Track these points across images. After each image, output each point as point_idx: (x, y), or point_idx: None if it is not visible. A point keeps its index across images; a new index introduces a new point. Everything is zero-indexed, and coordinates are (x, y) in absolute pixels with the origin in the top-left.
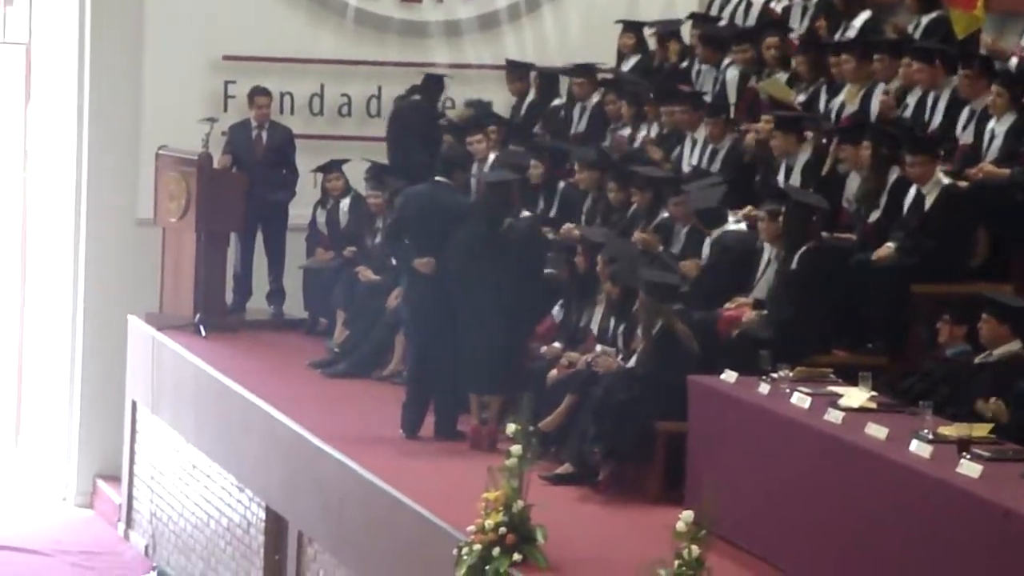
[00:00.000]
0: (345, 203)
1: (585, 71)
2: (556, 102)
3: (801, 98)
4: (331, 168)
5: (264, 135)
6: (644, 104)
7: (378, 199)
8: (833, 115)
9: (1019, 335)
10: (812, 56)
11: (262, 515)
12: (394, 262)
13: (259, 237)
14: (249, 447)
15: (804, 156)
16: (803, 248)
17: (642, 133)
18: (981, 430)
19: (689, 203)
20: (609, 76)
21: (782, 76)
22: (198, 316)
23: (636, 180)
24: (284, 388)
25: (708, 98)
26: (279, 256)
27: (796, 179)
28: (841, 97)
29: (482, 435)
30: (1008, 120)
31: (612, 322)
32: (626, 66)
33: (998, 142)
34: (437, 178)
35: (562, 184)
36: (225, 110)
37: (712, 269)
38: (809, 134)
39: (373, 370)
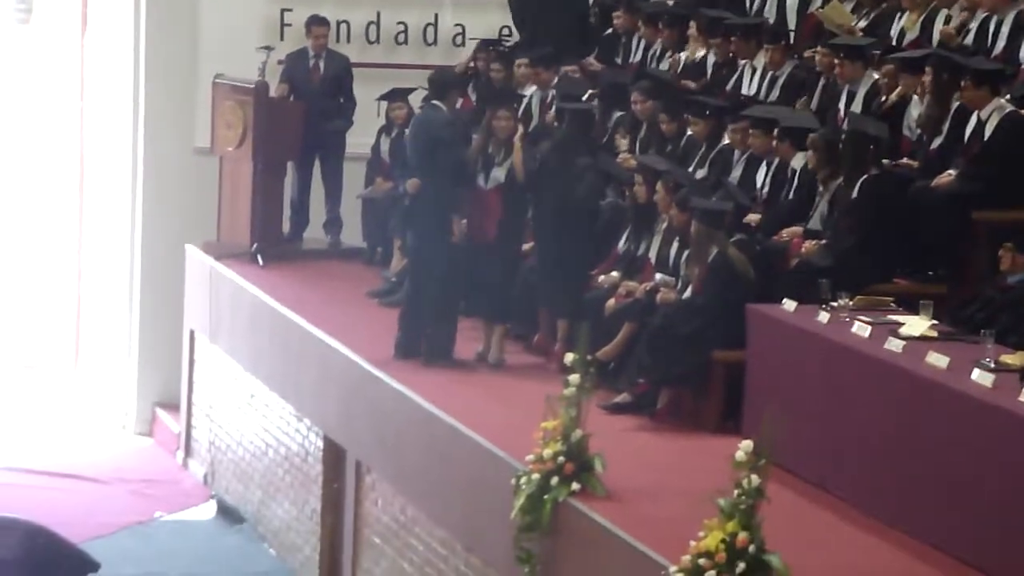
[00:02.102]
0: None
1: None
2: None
3: (862, 24)
4: (395, 96)
5: (321, 64)
6: (687, 31)
7: None
8: (894, 41)
9: None
10: None
11: (320, 444)
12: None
13: (316, 166)
14: (307, 376)
15: (867, 83)
16: (864, 176)
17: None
18: None
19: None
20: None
21: (843, 2)
22: (255, 245)
23: (692, 108)
24: (341, 317)
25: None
26: (336, 185)
27: (858, 106)
28: (901, 23)
29: (551, 355)
30: None
31: (672, 250)
32: None
33: None
34: (433, 101)
35: (617, 114)
36: (282, 39)
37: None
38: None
39: None
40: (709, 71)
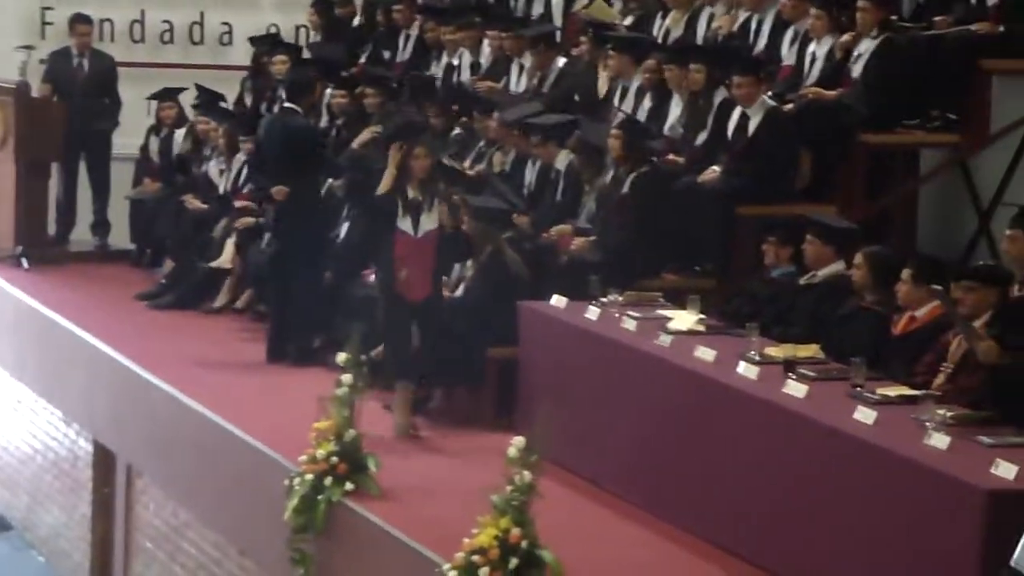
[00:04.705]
0: (179, 133)
1: None
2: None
3: (627, 21)
4: (166, 96)
5: (85, 63)
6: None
7: (207, 126)
8: (660, 40)
9: (843, 256)
10: None
11: (89, 449)
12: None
13: (83, 167)
14: (75, 381)
15: (638, 79)
16: (634, 172)
17: (466, 59)
18: (806, 351)
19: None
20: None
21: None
22: (20, 248)
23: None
24: (110, 321)
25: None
26: (104, 186)
27: (629, 103)
28: (666, 22)
29: None
30: (828, 42)
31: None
32: None
33: (819, 64)
34: (286, 104)
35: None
36: (43, 37)
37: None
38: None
39: (202, 302)
40: (483, 68)
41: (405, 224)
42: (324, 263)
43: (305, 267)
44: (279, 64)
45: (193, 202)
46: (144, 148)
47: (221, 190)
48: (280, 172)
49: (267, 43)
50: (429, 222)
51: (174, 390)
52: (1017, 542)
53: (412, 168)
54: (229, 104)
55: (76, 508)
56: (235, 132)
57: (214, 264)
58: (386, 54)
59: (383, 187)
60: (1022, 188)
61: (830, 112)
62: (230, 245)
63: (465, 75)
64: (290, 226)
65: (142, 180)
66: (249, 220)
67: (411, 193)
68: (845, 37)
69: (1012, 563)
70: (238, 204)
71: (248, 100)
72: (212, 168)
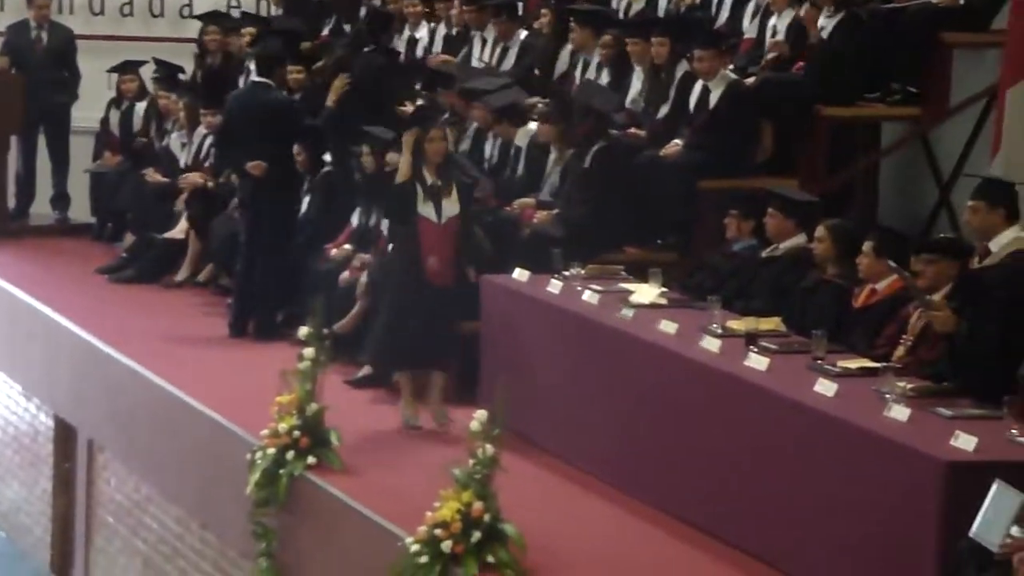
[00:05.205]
0: (140, 107)
1: None
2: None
3: None
4: (127, 69)
5: (44, 36)
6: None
7: (168, 100)
8: (622, 14)
9: (804, 229)
10: None
11: (50, 424)
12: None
13: (42, 141)
14: (35, 355)
15: (601, 52)
16: (596, 147)
17: (425, 32)
18: (768, 324)
19: (490, 104)
20: None
21: None
22: None
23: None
24: (70, 295)
25: None
26: (63, 160)
27: (592, 76)
28: None
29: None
30: (789, 15)
31: None
32: None
33: (780, 37)
34: (259, 79)
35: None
36: (1, 9)
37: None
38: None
39: (163, 275)
40: (441, 43)
41: (428, 210)
42: (291, 238)
43: (274, 242)
44: (247, 37)
45: (154, 176)
46: (105, 121)
47: (182, 163)
48: (256, 147)
49: (209, 19)
50: (451, 207)
51: (136, 364)
52: (976, 513)
53: (428, 152)
54: (187, 77)
55: (37, 483)
56: (196, 105)
57: (167, 235)
58: (347, 28)
59: (401, 175)
60: (982, 160)
61: (791, 86)
62: (184, 216)
63: (438, 47)
64: (264, 200)
65: (102, 153)
66: (196, 179)
67: (429, 179)
68: (806, 8)
69: (971, 534)
70: (182, 184)
71: (199, 76)
72: (173, 141)
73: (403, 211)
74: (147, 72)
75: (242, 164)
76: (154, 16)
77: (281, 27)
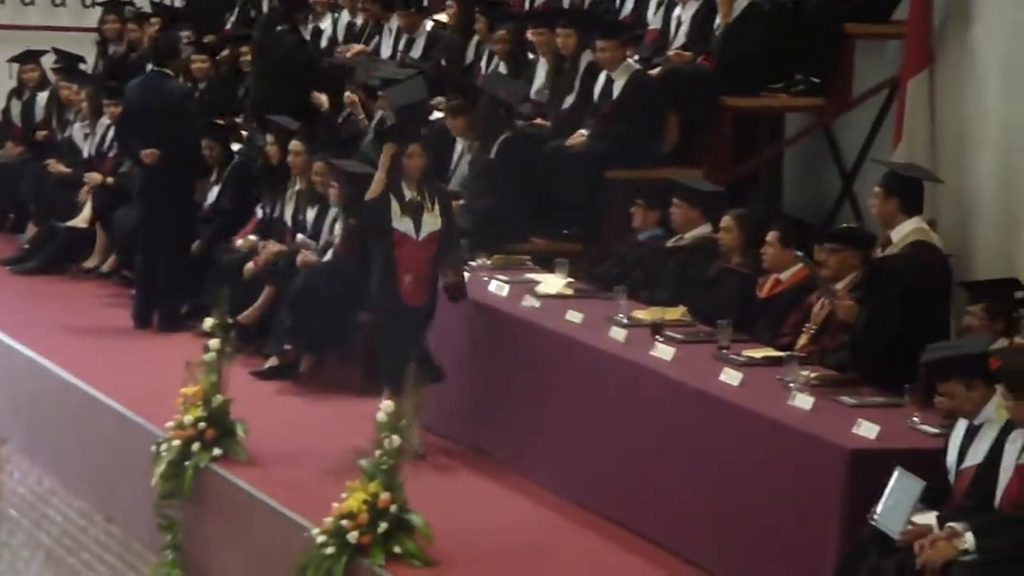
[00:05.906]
0: (42, 97)
1: None
2: None
3: None
4: (28, 58)
5: None
6: None
7: (69, 90)
8: (527, 4)
9: (709, 219)
10: None
11: None
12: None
13: None
14: None
15: (494, 46)
16: (501, 138)
17: (333, 22)
18: (674, 313)
19: (393, 98)
20: None
21: None
22: None
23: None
24: None
25: None
26: None
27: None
28: None
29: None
30: (693, 7)
31: (310, 214)
32: None
33: (684, 28)
34: (152, 67)
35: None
36: None
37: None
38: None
39: (66, 266)
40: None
41: (406, 226)
42: (193, 228)
43: (173, 232)
44: (152, 27)
45: (57, 166)
46: (6, 111)
47: (85, 154)
48: (155, 136)
49: (109, 7)
50: (431, 223)
51: (39, 357)
52: (877, 499)
53: (407, 168)
54: (88, 67)
55: None
56: (99, 96)
57: (70, 223)
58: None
59: (372, 192)
60: (884, 150)
61: (695, 76)
62: (88, 205)
63: (341, 36)
64: (160, 190)
65: (4, 144)
66: (96, 177)
67: (408, 194)
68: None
69: (873, 520)
70: (85, 181)
71: (101, 65)
72: (76, 131)
73: (374, 228)
74: (48, 61)
75: (136, 152)
76: (55, 5)
77: (182, 16)
